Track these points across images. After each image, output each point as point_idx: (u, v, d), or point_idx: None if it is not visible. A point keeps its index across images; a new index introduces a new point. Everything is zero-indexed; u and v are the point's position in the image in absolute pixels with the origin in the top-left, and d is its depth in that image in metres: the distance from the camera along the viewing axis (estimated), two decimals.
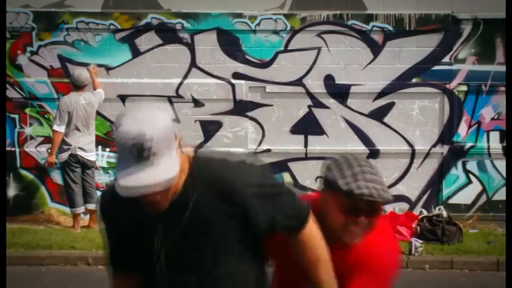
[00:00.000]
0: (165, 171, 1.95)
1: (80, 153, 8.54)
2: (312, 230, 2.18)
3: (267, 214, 2.09)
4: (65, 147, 8.54)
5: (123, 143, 1.95)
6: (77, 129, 8.56)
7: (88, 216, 8.90)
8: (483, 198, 9.40)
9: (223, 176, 2.10)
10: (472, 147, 9.36)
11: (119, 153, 1.99)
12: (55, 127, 8.55)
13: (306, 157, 9.33)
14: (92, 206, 8.73)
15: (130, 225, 2.11)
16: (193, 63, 9.24)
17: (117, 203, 2.08)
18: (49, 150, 8.87)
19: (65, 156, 8.52)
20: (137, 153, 1.93)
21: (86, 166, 8.65)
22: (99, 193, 8.88)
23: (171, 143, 1.99)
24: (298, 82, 9.26)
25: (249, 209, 2.05)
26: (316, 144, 9.31)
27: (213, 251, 2.06)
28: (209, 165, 2.16)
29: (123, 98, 9.25)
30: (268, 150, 9.31)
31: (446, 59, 9.26)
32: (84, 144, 8.58)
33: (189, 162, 2.13)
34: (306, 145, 9.33)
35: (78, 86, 8.67)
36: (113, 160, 9.31)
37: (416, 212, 8.96)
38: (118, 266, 2.24)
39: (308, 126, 9.30)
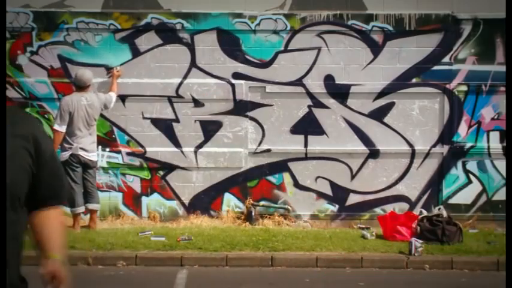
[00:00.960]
0: None
1: (81, 153, 8.54)
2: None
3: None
4: (67, 146, 8.54)
5: None
6: (79, 129, 8.55)
7: (88, 216, 8.90)
8: (483, 198, 9.40)
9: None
10: (472, 147, 9.36)
11: None
12: (56, 127, 8.55)
13: (306, 157, 9.34)
14: (92, 206, 8.72)
15: None
16: (193, 63, 9.24)
17: None
18: None
19: (66, 155, 8.53)
20: None
21: (87, 166, 8.64)
22: (100, 193, 8.88)
23: None
24: (298, 82, 9.26)
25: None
26: (316, 144, 9.31)
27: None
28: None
29: (123, 98, 9.25)
30: (268, 150, 9.31)
31: (446, 59, 9.26)
32: (86, 145, 8.58)
33: None
34: (306, 145, 9.33)
35: (80, 87, 8.66)
36: (113, 160, 9.31)
37: (416, 212, 8.96)
38: None
39: (308, 126, 9.30)
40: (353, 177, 9.32)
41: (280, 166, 9.36)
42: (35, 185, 2.27)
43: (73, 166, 8.56)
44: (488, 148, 9.36)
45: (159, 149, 9.31)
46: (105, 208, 9.20)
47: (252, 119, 9.31)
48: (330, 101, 9.31)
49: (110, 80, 9.11)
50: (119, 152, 9.27)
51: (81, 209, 8.66)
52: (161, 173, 9.37)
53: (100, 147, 9.12)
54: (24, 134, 2.26)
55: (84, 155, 8.56)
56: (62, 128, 8.52)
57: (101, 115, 9.16)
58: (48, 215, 2.36)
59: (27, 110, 9.24)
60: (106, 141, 9.25)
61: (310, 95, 9.27)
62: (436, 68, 9.27)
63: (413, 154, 9.36)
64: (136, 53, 9.24)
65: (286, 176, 9.38)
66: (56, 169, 2.39)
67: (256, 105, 9.29)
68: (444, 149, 9.37)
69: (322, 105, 9.29)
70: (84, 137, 8.59)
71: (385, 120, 9.35)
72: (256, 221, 9.14)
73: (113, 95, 9.00)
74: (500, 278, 6.41)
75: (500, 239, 8.25)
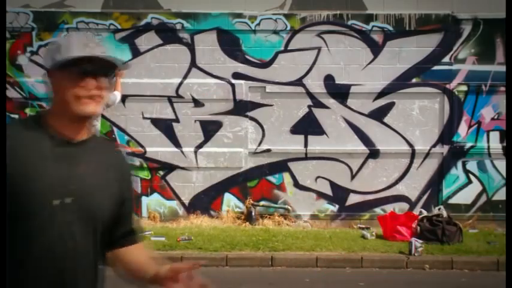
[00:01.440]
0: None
1: None
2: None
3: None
4: None
5: (72, 35, 2.31)
6: None
7: None
8: (483, 198, 9.40)
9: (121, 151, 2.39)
10: (472, 147, 9.36)
11: (64, 45, 2.09)
12: None
13: (306, 157, 9.34)
14: None
15: (33, 160, 2.10)
16: (193, 63, 9.24)
17: (26, 136, 2.11)
18: None
19: None
20: (86, 41, 2.10)
21: None
22: None
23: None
24: (298, 82, 9.26)
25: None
26: (316, 144, 9.31)
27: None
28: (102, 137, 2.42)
29: (123, 98, 9.23)
30: (268, 150, 9.31)
31: (446, 59, 9.26)
32: None
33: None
34: (306, 145, 9.33)
35: None
36: None
37: (416, 212, 8.96)
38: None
39: (308, 126, 9.30)
40: (353, 177, 9.32)
41: (280, 166, 9.36)
42: (115, 221, 2.26)
43: None
44: (488, 148, 9.36)
45: (159, 149, 9.31)
46: None
47: (252, 119, 9.31)
48: (330, 101, 9.31)
49: (114, 80, 9.07)
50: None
51: None
52: (161, 173, 9.37)
53: None
54: (118, 168, 2.29)
55: None
56: None
57: (101, 115, 9.15)
58: (137, 247, 2.37)
59: (27, 110, 9.25)
60: None
61: (310, 95, 9.27)
62: (436, 68, 9.27)
63: (413, 154, 9.37)
64: (136, 53, 9.24)
65: (286, 176, 9.38)
66: (132, 208, 2.41)
67: (256, 105, 9.29)
68: (444, 149, 9.37)
69: (322, 105, 9.29)
70: None
71: (385, 120, 9.35)
72: (256, 221, 9.14)
73: (117, 94, 8.97)
74: (500, 278, 6.40)
75: (500, 239, 8.25)
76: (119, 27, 9.21)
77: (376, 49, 9.27)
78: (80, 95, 2.07)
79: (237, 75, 9.25)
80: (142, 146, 9.32)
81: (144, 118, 9.29)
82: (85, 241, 2.11)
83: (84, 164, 2.13)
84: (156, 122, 9.29)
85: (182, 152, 9.31)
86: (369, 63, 9.28)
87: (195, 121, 9.31)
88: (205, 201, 9.37)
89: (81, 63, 2.07)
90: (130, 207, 2.34)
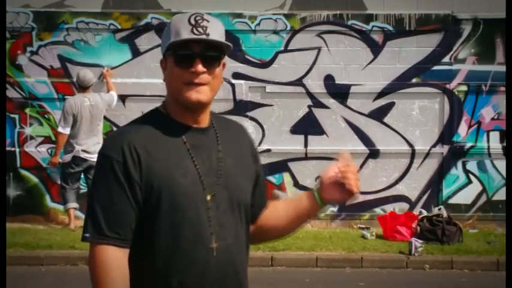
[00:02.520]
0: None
1: (84, 155, 8.51)
2: None
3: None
4: (69, 148, 8.56)
5: (181, 17, 2.01)
6: (83, 131, 8.55)
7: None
8: (483, 198, 9.39)
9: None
10: (472, 147, 9.36)
11: (172, 28, 1.99)
12: (60, 129, 8.57)
13: (306, 157, 9.33)
14: None
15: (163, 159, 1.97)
16: None
17: (156, 129, 2.01)
18: (52, 151, 8.93)
19: (68, 157, 8.55)
20: (195, 21, 1.96)
21: (91, 168, 8.51)
22: None
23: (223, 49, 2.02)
24: (298, 82, 9.26)
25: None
26: (316, 144, 9.31)
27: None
28: (223, 117, 2.27)
29: (123, 98, 9.25)
30: (268, 150, 9.30)
31: (446, 59, 9.26)
32: (89, 146, 8.54)
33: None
34: (306, 145, 9.33)
35: (83, 87, 8.67)
36: None
37: (416, 212, 8.96)
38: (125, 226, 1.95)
39: (308, 126, 9.30)
40: None
41: (280, 166, 9.36)
42: (254, 199, 2.15)
43: (71, 168, 8.56)
44: (488, 148, 9.36)
45: None
46: None
47: (252, 119, 9.31)
48: (330, 101, 9.31)
49: (105, 82, 9.13)
50: None
51: (73, 205, 8.66)
52: None
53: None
54: (248, 145, 2.19)
55: (87, 157, 8.51)
56: (66, 130, 8.52)
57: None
58: (269, 205, 2.26)
59: (27, 110, 9.25)
60: None
61: (310, 95, 9.27)
62: (436, 68, 9.27)
63: (413, 154, 9.36)
64: (136, 53, 9.24)
65: (286, 176, 9.38)
66: (263, 181, 2.28)
67: (256, 105, 9.29)
68: (444, 149, 9.37)
69: (322, 105, 9.29)
70: (88, 138, 8.57)
71: (385, 120, 9.35)
72: None
73: (114, 94, 9.02)
74: (500, 278, 6.41)
75: (500, 239, 8.25)
76: (119, 27, 9.21)
77: (376, 49, 9.27)
78: (186, 81, 1.98)
79: (237, 75, 9.25)
80: None
81: None
82: (236, 229, 2.02)
83: (220, 151, 2.04)
84: None
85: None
86: (369, 63, 9.28)
87: None
88: None
89: (189, 46, 1.96)
90: (263, 181, 2.24)
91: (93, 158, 8.52)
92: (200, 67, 1.95)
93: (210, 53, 1.97)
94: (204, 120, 2.06)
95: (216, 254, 1.96)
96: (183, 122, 2.03)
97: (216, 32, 1.97)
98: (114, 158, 1.93)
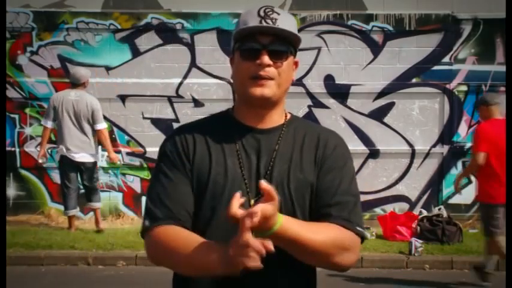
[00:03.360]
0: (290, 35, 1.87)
1: (69, 154, 8.13)
2: None
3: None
4: (57, 147, 8.41)
5: (251, 10, 1.89)
6: (67, 127, 8.11)
7: (88, 216, 8.88)
8: None
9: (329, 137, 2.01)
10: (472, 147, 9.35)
11: (241, 21, 1.90)
12: (42, 122, 8.49)
13: None
14: (95, 205, 8.48)
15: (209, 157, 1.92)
16: (193, 63, 9.24)
17: (213, 129, 1.96)
18: (52, 151, 8.97)
19: (57, 157, 8.41)
20: (264, 13, 1.85)
21: (79, 168, 8.27)
22: (100, 193, 8.82)
23: (293, 42, 1.91)
24: (298, 82, 9.26)
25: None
26: None
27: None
28: (314, 124, 2.11)
29: (123, 98, 9.26)
30: None
31: (446, 59, 9.27)
32: (74, 145, 8.12)
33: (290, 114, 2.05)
34: None
35: (74, 84, 8.26)
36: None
37: (416, 212, 8.96)
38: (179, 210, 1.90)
39: None
40: None
41: None
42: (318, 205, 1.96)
43: (64, 168, 8.26)
44: None
45: None
46: (105, 208, 9.20)
47: None
48: (330, 101, 9.31)
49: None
50: (119, 152, 9.27)
51: (73, 211, 8.46)
52: None
53: (100, 147, 9.12)
54: (313, 150, 1.98)
55: (73, 157, 8.13)
56: (46, 123, 8.26)
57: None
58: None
59: (27, 110, 9.26)
60: None
61: (310, 95, 9.27)
62: (436, 68, 9.27)
63: (413, 154, 9.37)
64: (136, 53, 9.25)
65: None
66: (340, 184, 2.00)
67: None
68: (444, 149, 9.37)
69: (322, 105, 9.29)
70: (73, 136, 8.12)
71: (385, 120, 9.36)
72: None
73: (101, 121, 8.31)
74: (500, 278, 6.41)
75: None
76: (119, 27, 9.21)
77: (376, 49, 9.27)
78: (251, 75, 1.87)
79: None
80: (142, 146, 9.32)
81: (144, 118, 9.29)
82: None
83: (275, 155, 1.91)
84: (156, 122, 9.29)
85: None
86: (369, 63, 9.28)
87: None
88: None
89: (256, 38, 1.86)
90: (329, 182, 1.91)
91: (79, 157, 8.17)
92: (266, 59, 1.84)
93: (278, 46, 1.86)
94: (270, 120, 1.95)
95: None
96: (244, 122, 1.95)
97: (286, 24, 1.86)
98: (168, 149, 1.94)
